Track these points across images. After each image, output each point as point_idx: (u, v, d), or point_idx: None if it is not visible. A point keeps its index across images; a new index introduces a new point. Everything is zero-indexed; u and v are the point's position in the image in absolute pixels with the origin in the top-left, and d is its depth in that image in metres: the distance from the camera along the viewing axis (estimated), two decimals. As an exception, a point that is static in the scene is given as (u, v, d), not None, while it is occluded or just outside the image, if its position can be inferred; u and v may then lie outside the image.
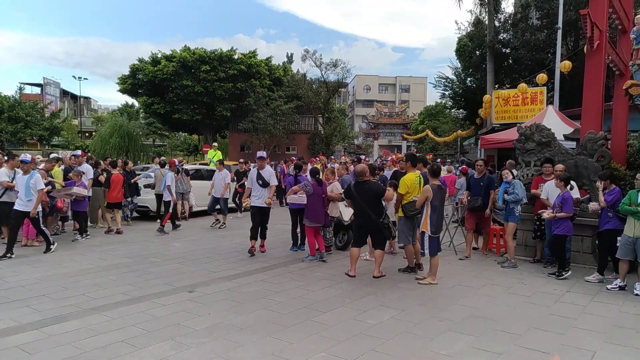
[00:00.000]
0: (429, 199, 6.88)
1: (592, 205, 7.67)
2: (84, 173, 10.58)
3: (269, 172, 9.11)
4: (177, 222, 12.04)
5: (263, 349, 4.53)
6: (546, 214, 7.60)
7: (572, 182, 7.91)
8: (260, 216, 8.99)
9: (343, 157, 18.38)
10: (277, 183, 9.08)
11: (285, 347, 4.58)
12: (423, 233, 7.01)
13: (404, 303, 6.05)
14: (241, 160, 16.61)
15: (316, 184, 8.49)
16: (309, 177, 9.32)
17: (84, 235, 10.29)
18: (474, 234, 9.25)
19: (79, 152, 12.44)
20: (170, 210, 11.38)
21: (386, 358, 4.39)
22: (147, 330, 4.99)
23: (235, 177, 14.80)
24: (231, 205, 14.34)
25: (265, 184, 8.96)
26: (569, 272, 7.41)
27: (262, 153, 9.45)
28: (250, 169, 19.11)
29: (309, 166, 14.04)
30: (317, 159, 21.80)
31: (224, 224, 12.49)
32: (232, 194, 14.42)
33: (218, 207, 12.70)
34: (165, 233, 11.06)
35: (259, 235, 8.99)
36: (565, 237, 7.54)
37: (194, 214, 14.04)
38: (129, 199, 12.81)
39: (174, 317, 5.40)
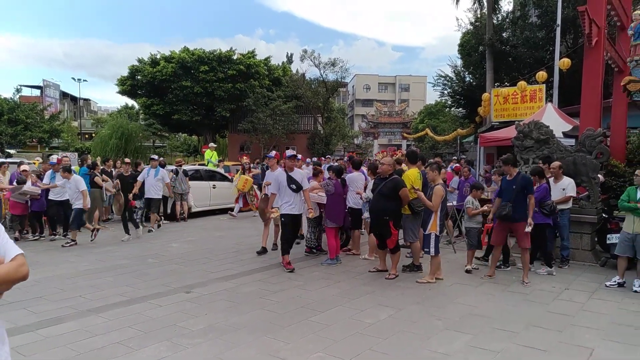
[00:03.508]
0: (442, 198, 6.87)
1: None
2: (39, 174, 10.67)
3: (300, 175, 7.91)
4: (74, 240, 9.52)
5: (259, 349, 4.51)
6: (487, 206, 7.87)
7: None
8: (295, 226, 8.17)
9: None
10: (309, 185, 8.06)
11: (281, 347, 4.56)
12: (429, 234, 6.96)
13: (402, 302, 6.03)
14: (127, 160, 12.26)
15: (339, 184, 8.28)
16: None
17: (35, 236, 10.35)
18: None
19: (54, 157, 12.27)
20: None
21: (383, 357, 4.37)
22: (143, 331, 4.97)
23: (119, 184, 11.05)
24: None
25: (299, 188, 7.83)
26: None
27: (292, 151, 8.20)
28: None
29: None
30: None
31: (74, 241, 9.55)
32: (123, 206, 10.88)
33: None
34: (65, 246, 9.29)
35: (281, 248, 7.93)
36: None
37: (193, 215, 13.99)
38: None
39: (170, 317, 5.39)
